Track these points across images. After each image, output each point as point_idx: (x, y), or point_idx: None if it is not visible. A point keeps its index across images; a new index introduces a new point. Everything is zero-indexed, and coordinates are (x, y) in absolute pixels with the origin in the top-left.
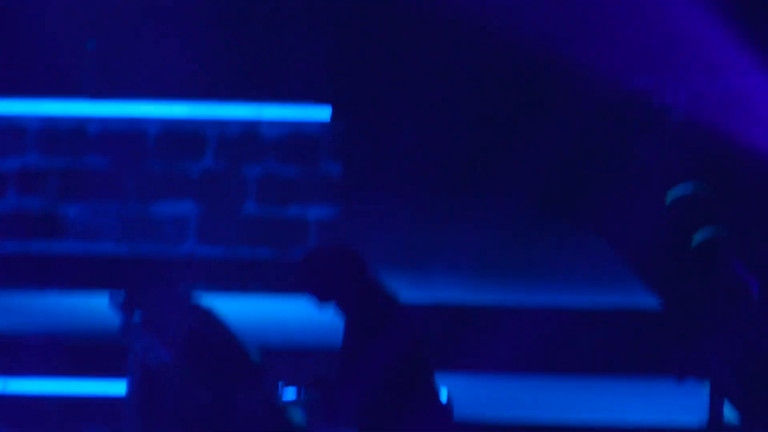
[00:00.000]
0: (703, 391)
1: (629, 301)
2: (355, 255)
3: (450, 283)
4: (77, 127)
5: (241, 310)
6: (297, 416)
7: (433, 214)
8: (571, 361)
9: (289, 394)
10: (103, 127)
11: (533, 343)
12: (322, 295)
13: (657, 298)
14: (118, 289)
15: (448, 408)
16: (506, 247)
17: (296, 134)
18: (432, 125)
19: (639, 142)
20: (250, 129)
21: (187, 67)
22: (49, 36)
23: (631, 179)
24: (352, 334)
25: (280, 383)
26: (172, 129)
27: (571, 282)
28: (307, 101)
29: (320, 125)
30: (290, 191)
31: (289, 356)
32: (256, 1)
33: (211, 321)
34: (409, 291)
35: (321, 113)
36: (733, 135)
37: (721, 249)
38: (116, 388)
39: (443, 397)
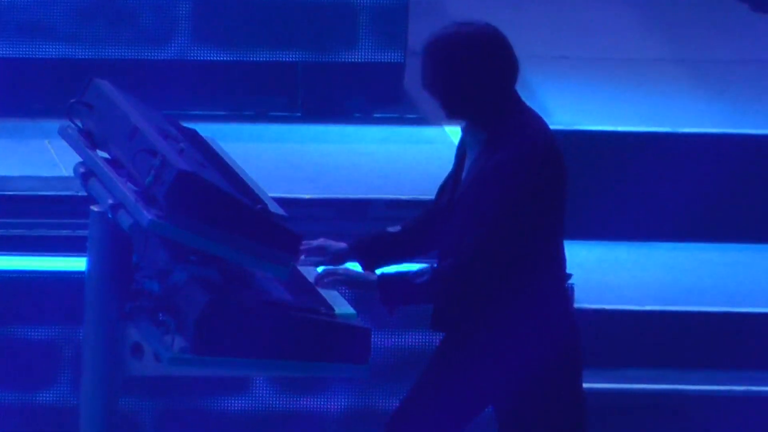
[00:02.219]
0: None
1: None
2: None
3: None
4: None
5: (255, 144)
6: (339, 303)
7: None
8: None
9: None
10: None
11: None
12: (450, 101)
13: None
14: (74, 110)
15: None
16: None
17: None
18: None
19: None
20: None
21: None
22: None
23: None
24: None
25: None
26: None
27: None
28: None
29: None
30: None
31: (328, 206)
32: None
33: (212, 158)
34: None
35: None
36: None
37: None
38: (71, 262)
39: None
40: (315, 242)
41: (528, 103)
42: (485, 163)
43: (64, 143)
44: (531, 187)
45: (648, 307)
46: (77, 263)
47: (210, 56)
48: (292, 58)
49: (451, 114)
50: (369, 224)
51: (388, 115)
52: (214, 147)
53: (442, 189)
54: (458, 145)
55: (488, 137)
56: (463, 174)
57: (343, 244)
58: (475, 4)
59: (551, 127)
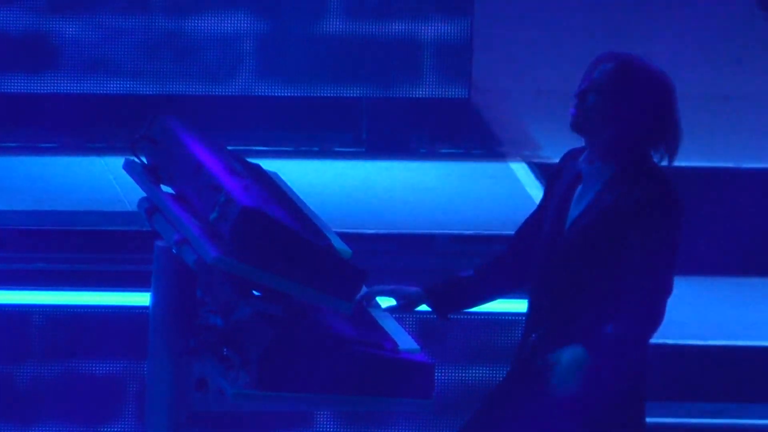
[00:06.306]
0: None
1: None
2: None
3: None
4: None
5: (319, 180)
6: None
7: None
8: None
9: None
10: None
11: None
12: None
13: None
14: (139, 146)
15: None
16: None
17: None
18: None
19: None
20: None
21: None
22: None
23: None
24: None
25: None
26: None
27: None
28: None
29: None
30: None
31: (392, 241)
32: None
33: (276, 193)
34: None
35: None
36: None
37: None
38: (135, 297)
39: None
40: (388, 287)
41: None
42: (619, 200)
43: (128, 179)
44: (677, 225)
45: (711, 342)
46: (141, 298)
47: (274, 92)
48: (356, 93)
49: (606, 144)
50: (433, 259)
51: (452, 151)
52: (278, 182)
53: (525, 229)
54: (550, 179)
55: (616, 172)
56: (573, 208)
57: (415, 289)
58: (541, 38)
59: None
